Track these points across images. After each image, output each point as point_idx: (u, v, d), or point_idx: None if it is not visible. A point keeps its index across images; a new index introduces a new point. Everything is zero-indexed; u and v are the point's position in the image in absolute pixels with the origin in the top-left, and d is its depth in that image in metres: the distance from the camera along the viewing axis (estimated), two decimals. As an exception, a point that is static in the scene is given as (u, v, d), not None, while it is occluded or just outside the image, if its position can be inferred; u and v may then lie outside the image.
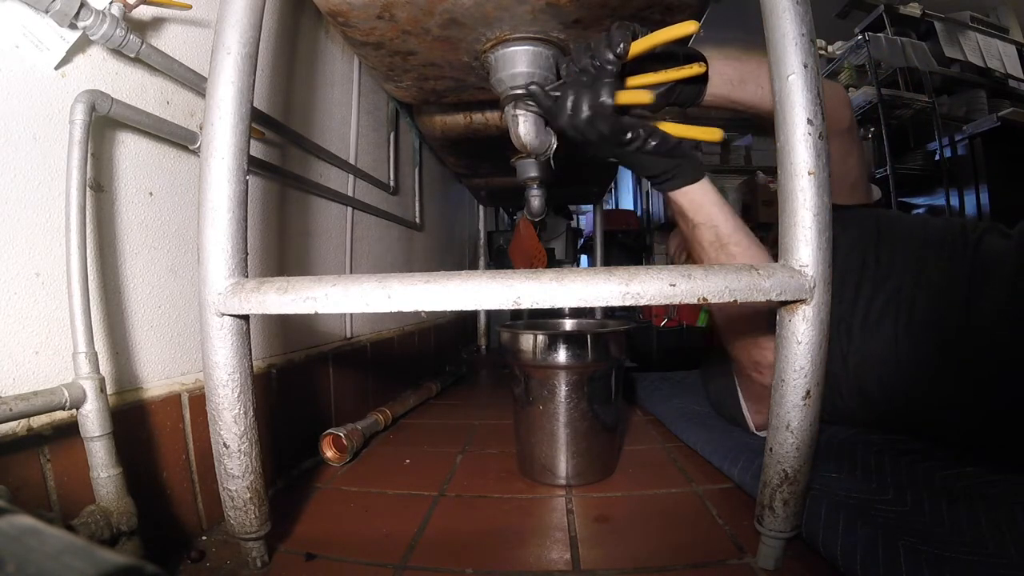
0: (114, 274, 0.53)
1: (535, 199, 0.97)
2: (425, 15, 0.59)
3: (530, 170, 0.93)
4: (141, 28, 0.54)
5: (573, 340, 0.69)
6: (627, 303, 0.42)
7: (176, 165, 0.60)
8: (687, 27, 0.49)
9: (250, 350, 0.48)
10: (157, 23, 0.56)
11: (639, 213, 3.47)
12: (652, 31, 0.52)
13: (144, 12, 0.53)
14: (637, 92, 0.55)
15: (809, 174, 0.43)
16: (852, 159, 0.77)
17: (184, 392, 0.57)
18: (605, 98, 0.54)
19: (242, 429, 0.47)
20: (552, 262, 2.32)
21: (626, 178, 3.99)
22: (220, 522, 0.60)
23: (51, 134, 0.46)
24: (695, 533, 0.57)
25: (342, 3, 0.57)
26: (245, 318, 0.47)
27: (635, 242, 3.11)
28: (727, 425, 0.82)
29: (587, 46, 0.54)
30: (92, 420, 0.44)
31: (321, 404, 0.87)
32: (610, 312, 1.75)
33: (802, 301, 0.43)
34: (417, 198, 1.42)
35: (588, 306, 0.43)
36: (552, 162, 0.71)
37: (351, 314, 1.01)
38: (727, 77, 0.65)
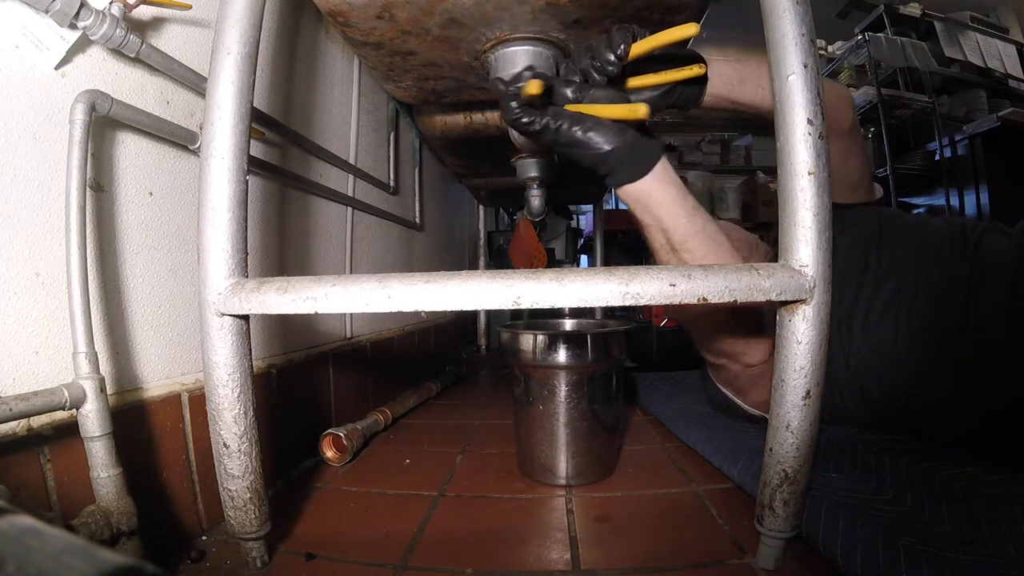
0: (114, 274, 0.53)
1: (535, 199, 0.97)
2: (425, 15, 0.59)
3: (530, 170, 0.93)
4: (141, 28, 0.54)
5: (573, 340, 0.69)
6: (627, 303, 0.42)
7: (176, 165, 0.60)
8: (687, 29, 0.49)
9: (250, 350, 0.48)
10: (157, 23, 0.56)
11: (639, 213, 3.46)
12: (652, 32, 0.52)
13: (144, 12, 0.53)
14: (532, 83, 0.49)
15: (809, 174, 0.43)
16: (854, 159, 0.77)
17: (184, 392, 0.57)
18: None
19: (242, 429, 0.47)
20: (552, 262, 2.32)
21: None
22: (220, 522, 0.59)
23: (51, 134, 0.46)
24: (695, 533, 0.57)
25: (342, 3, 0.57)
26: (245, 318, 0.47)
27: (635, 242, 3.10)
28: (727, 425, 0.82)
29: (588, 47, 0.54)
30: (92, 420, 0.44)
31: (321, 404, 0.87)
32: (610, 312, 1.75)
33: (802, 301, 0.43)
34: (417, 198, 1.42)
35: (588, 306, 0.43)
36: (556, 158, 0.71)
37: (351, 314, 1.01)
38: (727, 77, 0.65)
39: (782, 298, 0.43)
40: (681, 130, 3.46)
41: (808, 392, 0.44)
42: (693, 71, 0.57)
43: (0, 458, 0.40)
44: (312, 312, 0.43)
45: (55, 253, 0.46)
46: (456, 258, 2.00)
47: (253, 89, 0.48)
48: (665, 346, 1.52)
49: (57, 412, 0.43)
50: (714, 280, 0.42)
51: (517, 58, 0.64)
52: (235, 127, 0.46)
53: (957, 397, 0.63)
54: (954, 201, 2.52)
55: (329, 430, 0.81)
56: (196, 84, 0.58)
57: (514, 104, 0.52)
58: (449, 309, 0.43)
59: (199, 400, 0.57)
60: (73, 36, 0.46)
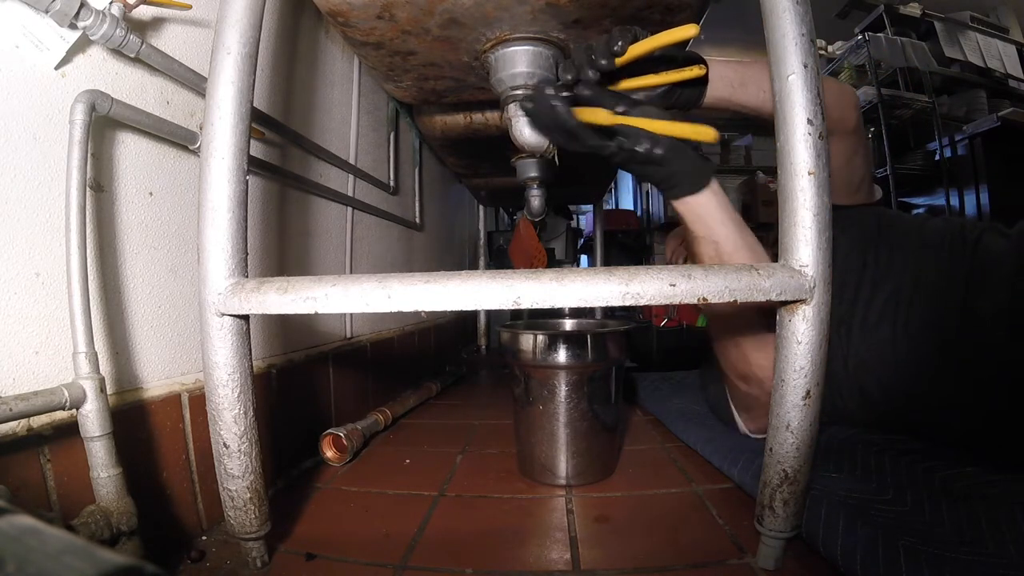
0: (114, 274, 0.53)
1: (535, 199, 0.97)
2: (425, 15, 0.59)
3: (530, 170, 0.93)
4: (141, 28, 0.54)
5: (573, 340, 0.69)
6: (627, 303, 0.42)
7: (176, 165, 0.60)
8: (687, 30, 0.49)
9: (250, 350, 0.48)
10: (157, 23, 0.56)
11: (639, 213, 3.47)
12: (652, 33, 0.52)
13: (144, 12, 0.53)
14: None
15: (809, 174, 0.43)
16: (858, 159, 0.77)
17: (184, 392, 0.57)
18: (564, 118, 0.54)
19: (242, 429, 0.47)
20: (552, 262, 2.32)
21: (626, 178, 3.99)
22: (220, 522, 0.59)
23: (51, 134, 0.46)
24: (695, 533, 0.57)
25: (342, 3, 0.57)
26: (245, 318, 0.47)
27: (635, 242, 3.11)
28: (727, 425, 0.82)
29: (588, 47, 0.54)
30: (92, 420, 0.44)
31: (321, 404, 0.87)
32: (610, 312, 1.75)
33: (802, 301, 0.43)
34: (417, 198, 1.42)
35: (588, 306, 0.43)
36: (556, 159, 0.71)
37: (351, 314, 1.01)
38: (728, 80, 0.65)
39: (782, 298, 0.43)
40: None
41: (808, 392, 0.44)
42: (692, 72, 0.57)
43: (0, 458, 0.40)
44: (312, 312, 0.43)
45: (55, 253, 0.46)
46: (456, 258, 2.00)
47: (253, 89, 0.48)
48: (665, 346, 1.52)
49: (57, 412, 0.43)
50: (714, 280, 0.42)
51: (517, 58, 0.64)
52: (235, 127, 0.46)
53: (957, 397, 0.63)
54: (954, 201, 2.52)
55: (329, 430, 0.81)
56: (196, 84, 0.58)
57: (585, 135, 0.54)
58: (449, 309, 0.43)
59: (199, 400, 0.57)
60: (73, 36, 0.46)
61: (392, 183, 1.22)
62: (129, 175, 0.54)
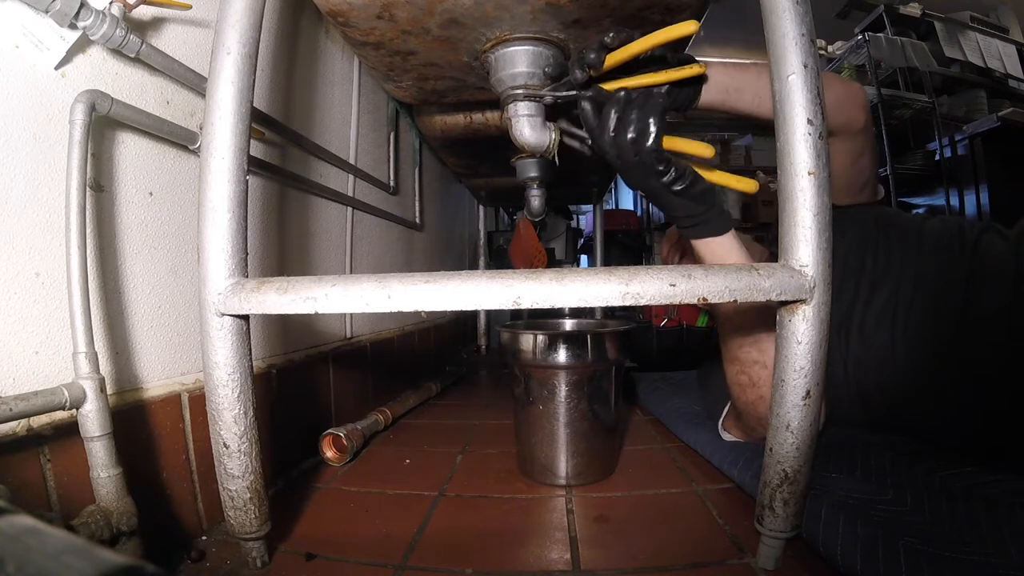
0: (114, 274, 0.53)
1: (535, 199, 0.97)
2: (425, 15, 0.59)
3: (530, 170, 0.93)
4: (141, 28, 0.54)
5: (573, 340, 0.69)
6: (627, 303, 0.42)
7: (176, 165, 0.60)
8: (687, 27, 0.49)
9: (250, 350, 0.48)
10: (157, 23, 0.56)
11: (639, 213, 3.47)
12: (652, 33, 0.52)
13: (144, 12, 0.53)
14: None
15: (809, 174, 0.43)
16: (865, 159, 0.76)
17: (184, 392, 0.57)
18: (653, 126, 0.53)
19: (242, 429, 0.47)
20: (552, 262, 2.32)
21: (626, 178, 3.99)
22: (220, 522, 0.59)
23: (51, 134, 0.46)
24: (695, 533, 0.57)
25: (342, 3, 0.57)
26: (245, 318, 0.47)
27: (635, 242, 3.11)
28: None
29: (580, 49, 0.54)
30: (92, 420, 0.44)
31: (321, 404, 0.87)
32: (610, 312, 1.75)
33: (802, 301, 0.43)
34: (417, 198, 1.42)
35: (588, 306, 0.43)
36: (556, 159, 0.71)
37: (351, 314, 1.01)
38: (723, 86, 0.64)
39: (782, 298, 0.43)
40: (680, 130, 3.46)
41: (808, 392, 0.44)
42: (685, 72, 0.56)
43: (0, 458, 0.40)
44: (312, 312, 0.43)
45: (55, 253, 0.46)
46: (456, 258, 2.00)
47: (253, 89, 0.48)
48: (665, 346, 1.52)
49: (57, 412, 0.43)
50: (714, 280, 0.42)
51: (517, 58, 0.64)
52: (235, 127, 0.46)
53: (957, 398, 0.63)
54: (954, 201, 2.52)
55: (329, 430, 0.81)
56: (196, 84, 0.58)
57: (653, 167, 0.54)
58: (449, 309, 0.43)
59: (199, 400, 0.57)
60: (73, 36, 0.46)
61: (392, 183, 1.22)
62: (129, 175, 0.54)
